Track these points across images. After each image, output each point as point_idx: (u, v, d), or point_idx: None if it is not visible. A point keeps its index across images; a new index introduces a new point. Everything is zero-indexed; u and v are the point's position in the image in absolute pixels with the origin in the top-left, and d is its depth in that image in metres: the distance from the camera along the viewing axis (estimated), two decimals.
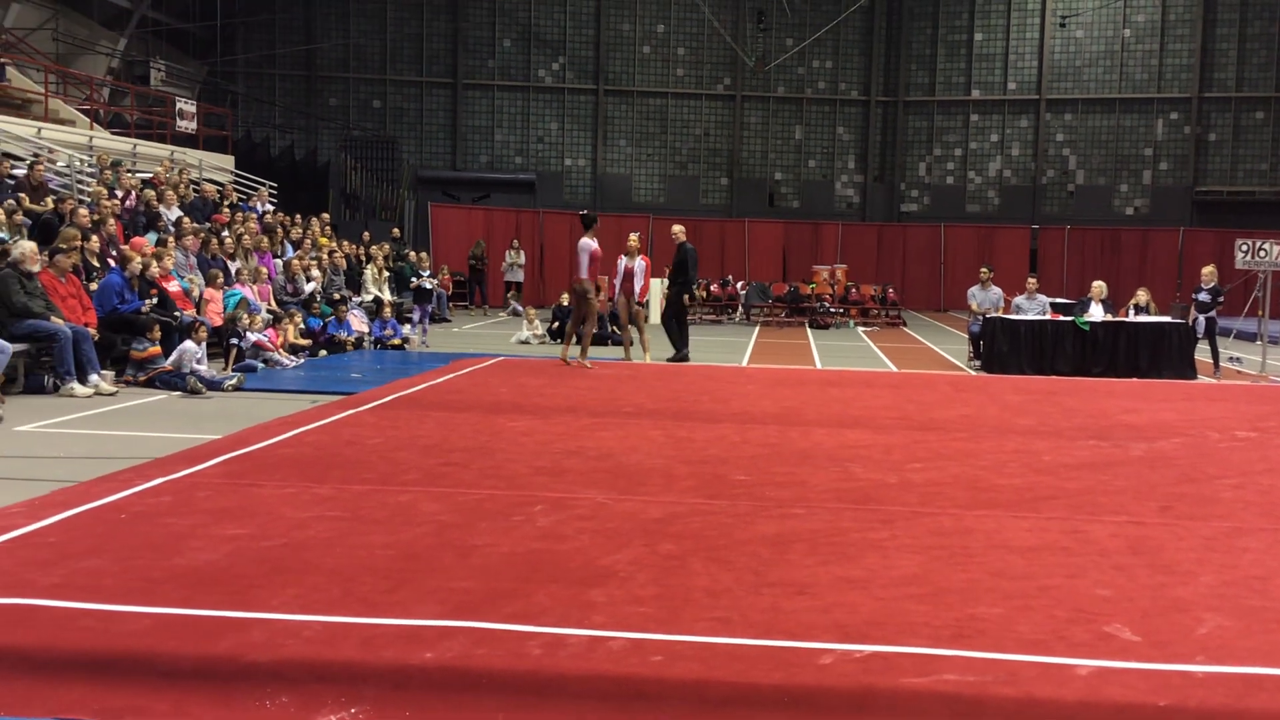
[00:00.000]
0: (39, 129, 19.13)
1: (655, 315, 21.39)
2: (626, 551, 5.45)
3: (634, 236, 16.07)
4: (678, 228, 16.37)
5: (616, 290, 15.72)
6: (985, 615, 4.62)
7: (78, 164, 18.01)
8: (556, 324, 18.65)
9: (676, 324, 15.97)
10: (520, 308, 25.91)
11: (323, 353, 14.97)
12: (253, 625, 4.28)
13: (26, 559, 5.09)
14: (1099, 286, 16.46)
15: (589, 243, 14.16)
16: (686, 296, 16.20)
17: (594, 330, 14.66)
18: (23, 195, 14.41)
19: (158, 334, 11.79)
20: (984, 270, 17.14)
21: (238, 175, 24.66)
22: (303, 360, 14.15)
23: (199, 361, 11.69)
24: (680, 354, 15.70)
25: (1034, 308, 16.17)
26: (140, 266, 12.38)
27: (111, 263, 12.99)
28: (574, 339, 14.29)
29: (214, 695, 3.71)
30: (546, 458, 7.85)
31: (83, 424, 9.20)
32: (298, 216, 21.40)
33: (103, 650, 4.01)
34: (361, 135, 34.51)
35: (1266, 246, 17.05)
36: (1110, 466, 8.07)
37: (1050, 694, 3.82)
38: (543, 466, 7.53)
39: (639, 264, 15.54)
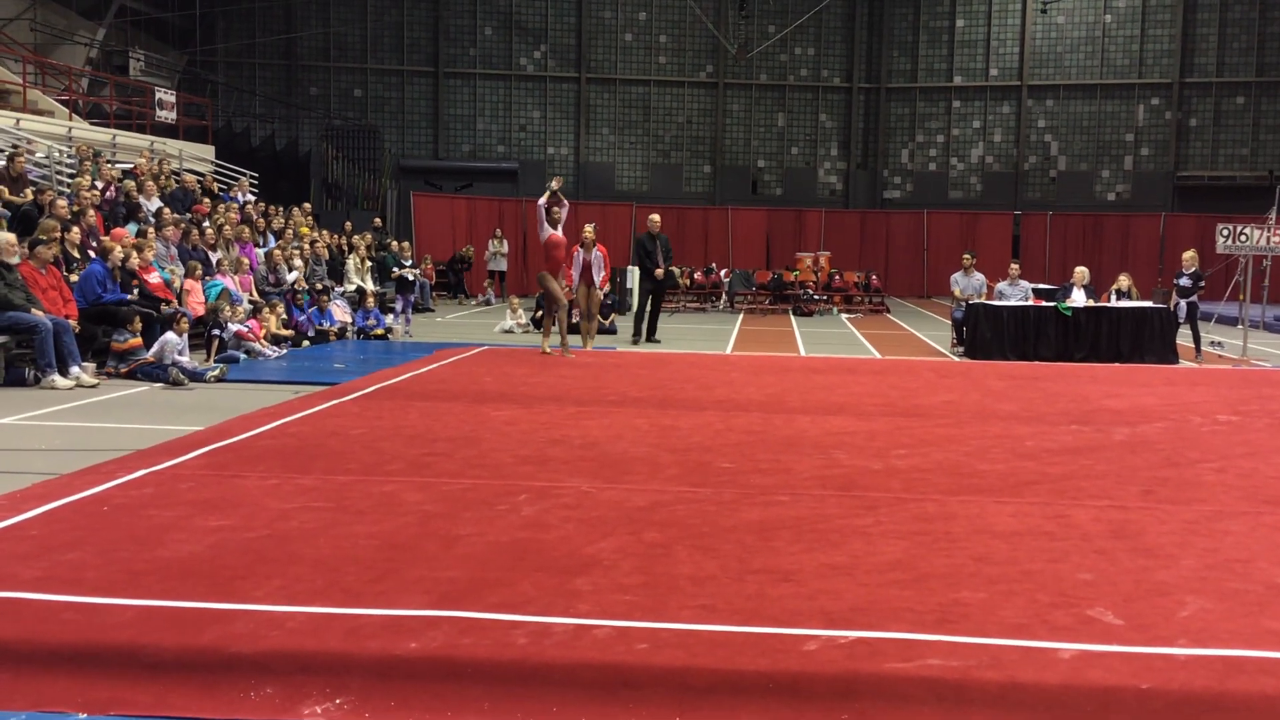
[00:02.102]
0: (17, 120, 18.98)
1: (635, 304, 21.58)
2: (611, 540, 5.45)
3: (589, 228, 15.97)
4: (654, 217, 17.31)
5: (575, 281, 15.54)
6: (968, 600, 4.63)
7: (57, 155, 17.89)
8: (539, 313, 18.61)
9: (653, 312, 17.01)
10: (493, 298, 25.87)
11: (305, 343, 14.92)
12: (236, 616, 4.26)
13: (8, 552, 5.06)
14: (1081, 272, 16.52)
15: (548, 230, 14.06)
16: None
17: (570, 319, 14.61)
18: (1, 187, 14.30)
19: (139, 325, 11.73)
20: (967, 256, 17.17)
21: (218, 165, 24.52)
22: (285, 351, 14.10)
23: (181, 353, 11.63)
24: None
25: (1016, 293, 16.21)
26: (121, 258, 12.31)
27: (92, 254, 12.91)
28: (554, 328, 14.24)
29: (198, 687, 3.70)
30: (531, 447, 7.84)
31: (64, 416, 9.15)
32: (279, 206, 21.30)
33: (86, 643, 3.99)
34: (343, 124, 34.32)
35: (1247, 231, 17.17)
36: (1092, 451, 8.10)
37: (1033, 678, 3.84)
38: (527, 455, 7.52)
39: (596, 255, 15.54)
